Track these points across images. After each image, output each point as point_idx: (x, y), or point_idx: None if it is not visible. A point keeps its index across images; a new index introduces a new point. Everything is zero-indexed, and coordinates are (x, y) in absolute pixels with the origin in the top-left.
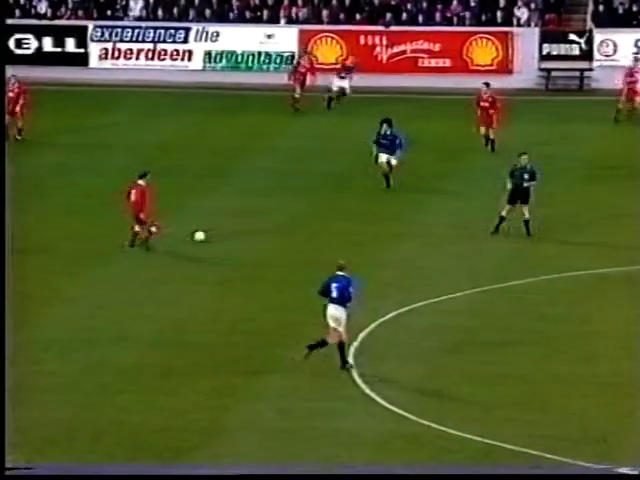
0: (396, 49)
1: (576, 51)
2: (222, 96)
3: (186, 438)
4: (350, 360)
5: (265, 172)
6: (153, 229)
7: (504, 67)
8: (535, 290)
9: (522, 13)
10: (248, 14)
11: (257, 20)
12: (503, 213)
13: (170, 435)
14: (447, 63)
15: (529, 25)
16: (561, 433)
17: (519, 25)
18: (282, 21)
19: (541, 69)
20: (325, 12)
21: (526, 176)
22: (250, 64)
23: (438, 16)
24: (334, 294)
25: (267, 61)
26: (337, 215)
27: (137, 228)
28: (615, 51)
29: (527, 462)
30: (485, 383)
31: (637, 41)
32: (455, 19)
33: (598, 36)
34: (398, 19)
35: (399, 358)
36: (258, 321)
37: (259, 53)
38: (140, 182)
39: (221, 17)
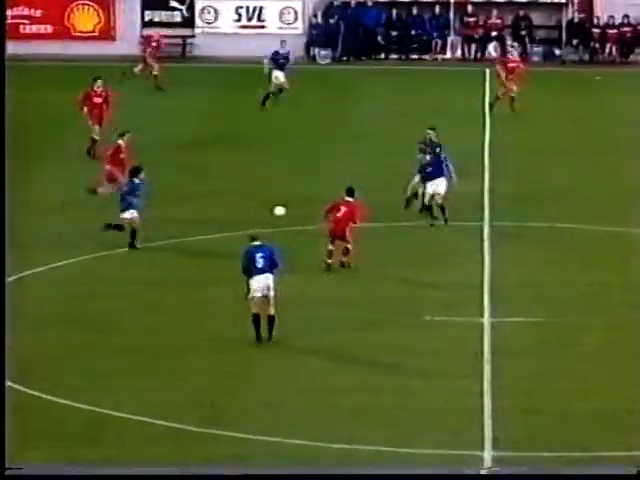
0: None
1: (178, 18)
2: None
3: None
4: None
5: None
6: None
7: (106, 33)
8: (141, 257)
9: None
10: None
11: None
12: None
13: None
14: (49, 29)
15: None
16: (171, 399)
17: None
18: None
19: (143, 36)
20: None
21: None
22: None
23: None
24: (260, 264)
25: None
26: None
27: None
28: (216, 18)
29: (140, 429)
30: (103, 355)
31: (238, 8)
32: None
33: (199, 3)
34: None
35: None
36: None
37: None
38: None
39: None
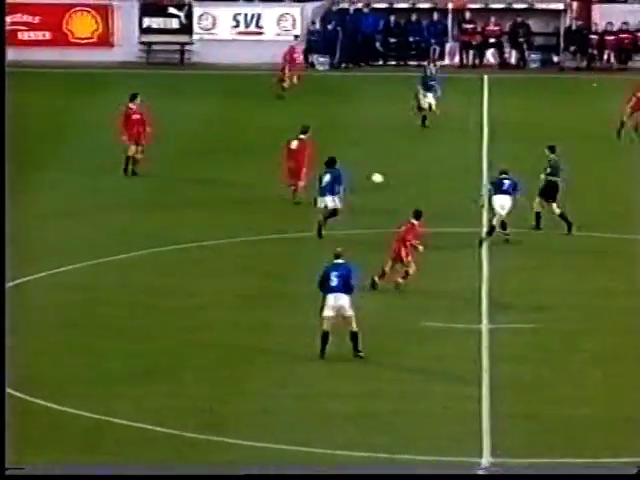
0: None
1: (176, 24)
2: None
3: None
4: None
5: None
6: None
7: (105, 40)
8: (142, 263)
9: None
10: None
11: None
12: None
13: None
14: (47, 36)
15: None
16: (169, 405)
17: None
18: None
19: (142, 42)
20: None
21: None
22: None
23: None
24: (334, 283)
25: None
26: None
27: None
28: (214, 25)
29: (139, 435)
30: (97, 358)
31: (236, 15)
32: None
33: (197, 9)
34: None
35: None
36: None
37: None
38: None
39: None
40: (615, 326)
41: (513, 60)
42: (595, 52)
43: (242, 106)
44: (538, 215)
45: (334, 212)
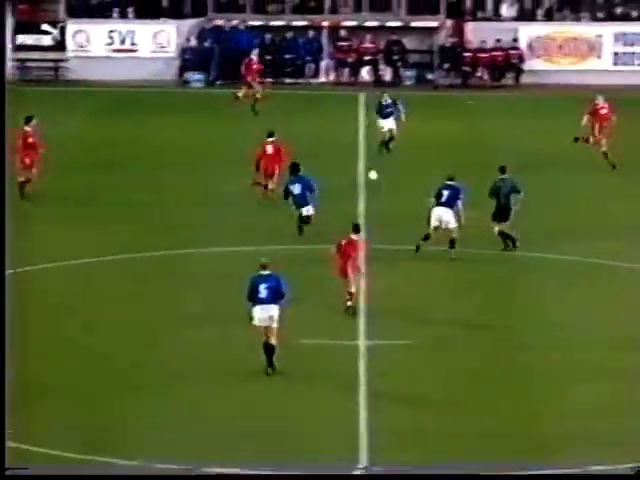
0: None
1: (50, 41)
2: None
3: None
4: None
5: None
6: None
7: None
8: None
9: None
10: None
11: None
12: None
13: None
14: None
15: None
16: (53, 425)
17: None
18: None
19: (16, 59)
20: None
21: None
22: None
23: None
24: (262, 294)
25: None
26: None
27: None
28: (88, 42)
29: (21, 455)
30: None
31: (110, 32)
32: None
33: (71, 26)
34: None
35: None
36: None
37: None
38: None
39: None
40: (494, 342)
41: (388, 77)
42: (469, 69)
43: (116, 122)
44: (504, 234)
45: (308, 219)
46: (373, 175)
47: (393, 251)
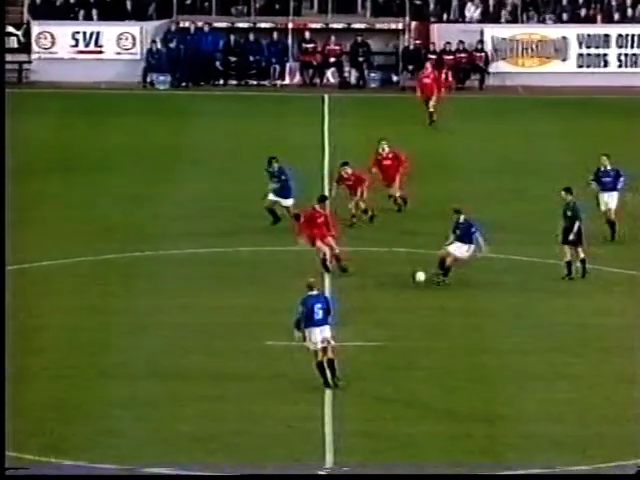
0: None
1: (14, 43)
2: None
3: None
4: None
5: None
6: None
7: None
8: None
9: None
10: None
11: None
12: None
13: None
14: None
15: None
16: (9, 427)
17: None
18: None
19: None
20: None
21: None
22: None
23: None
24: (319, 316)
25: None
26: None
27: None
28: (53, 43)
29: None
30: None
31: (74, 33)
32: None
33: (36, 28)
34: None
35: None
36: None
37: None
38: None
39: None
40: (452, 344)
41: (353, 79)
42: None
43: (81, 125)
44: (569, 264)
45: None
46: (420, 277)
47: (351, 252)
